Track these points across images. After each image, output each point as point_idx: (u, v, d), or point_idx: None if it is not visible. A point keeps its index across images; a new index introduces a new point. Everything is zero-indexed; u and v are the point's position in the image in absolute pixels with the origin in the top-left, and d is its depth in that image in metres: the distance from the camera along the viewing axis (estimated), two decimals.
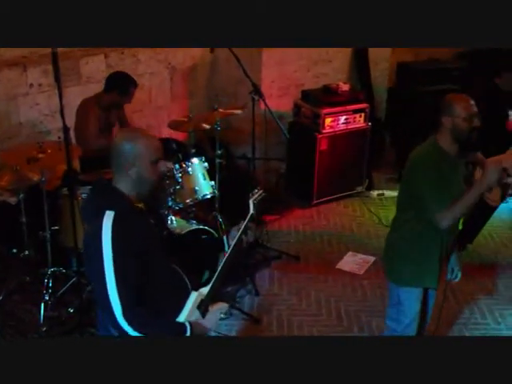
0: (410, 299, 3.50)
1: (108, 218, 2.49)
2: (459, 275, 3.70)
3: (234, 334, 4.41)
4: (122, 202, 2.59)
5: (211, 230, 4.62)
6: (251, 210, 2.90)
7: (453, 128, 3.22)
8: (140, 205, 2.66)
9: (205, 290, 2.72)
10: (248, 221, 2.87)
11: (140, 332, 2.51)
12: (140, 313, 2.53)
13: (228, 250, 2.80)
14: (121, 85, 4.97)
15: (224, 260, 2.75)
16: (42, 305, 4.35)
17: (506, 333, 4.52)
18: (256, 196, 2.97)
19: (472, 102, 3.24)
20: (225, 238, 2.96)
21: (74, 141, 4.77)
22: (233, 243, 2.79)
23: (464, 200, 3.15)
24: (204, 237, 4.43)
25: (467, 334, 4.48)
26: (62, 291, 4.55)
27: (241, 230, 2.81)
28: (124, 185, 2.60)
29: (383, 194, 6.59)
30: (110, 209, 2.52)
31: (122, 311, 2.46)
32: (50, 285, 4.49)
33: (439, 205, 3.16)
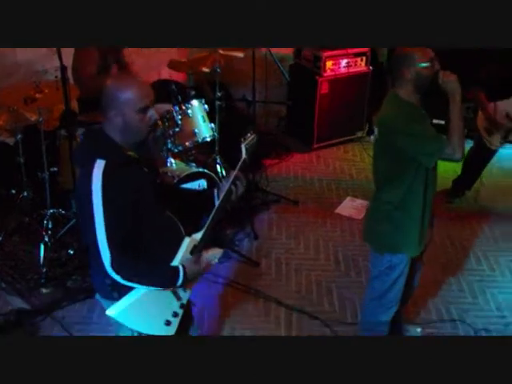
0: (402, 264, 3.33)
1: (98, 166, 2.46)
2: None
3: (232, 276, 4.46)
4: (114, 150, 2.55)
5: (210, 173, 4.61)
6: (243, 155, 2.80)
7: (416, 77, 3.06)
8: (132, 153, 2.61)
9: (197, 236, 2.72)
10: (239, 168, 2.77)
11: (129, 281, 2.52)
12: (128, 261, 2.52)
13: (217, 202, 2.76)
14: None
15: (214, 210, 2.71)
16: (42, 246, 4.37)
17: (500, 279, 4.58)
18: (248, 140, 2.85)
19: (428, 48, 3.08)
20: (215, 191, 2.89)
21: (71, 81, 4.70)
22: (222, 194, 2.73)
23: (454, 121, 3.02)
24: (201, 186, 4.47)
25: (462, 281, 4.53)
26: (61, 233, 4.57)
27: (230, 180, 2.73)
28: (113, 132, 2.56)
29: None
30: (101, 158, 2.49)
31: (111, 260, 2.46)
32: (50, 226, 4.50)
33: (440, 142, 3.04)
